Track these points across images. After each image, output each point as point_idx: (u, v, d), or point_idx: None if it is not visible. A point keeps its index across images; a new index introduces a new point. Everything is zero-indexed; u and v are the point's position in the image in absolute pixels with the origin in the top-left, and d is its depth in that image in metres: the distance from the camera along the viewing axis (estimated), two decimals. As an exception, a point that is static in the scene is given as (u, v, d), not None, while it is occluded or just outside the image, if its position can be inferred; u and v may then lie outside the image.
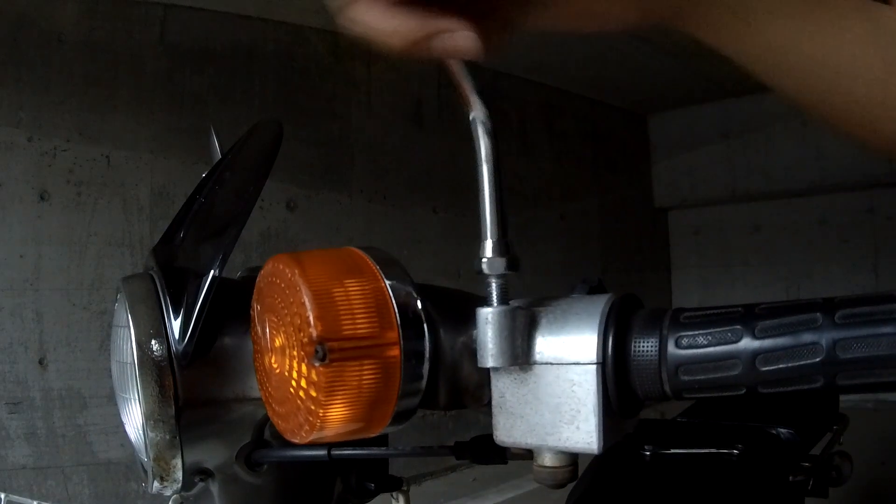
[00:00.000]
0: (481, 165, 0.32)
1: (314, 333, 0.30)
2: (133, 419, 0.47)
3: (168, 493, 0.47)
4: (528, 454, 0.37)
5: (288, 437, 0.34)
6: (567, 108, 3.94)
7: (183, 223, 0.50)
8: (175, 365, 0.43)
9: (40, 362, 2.38)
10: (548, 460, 0.34)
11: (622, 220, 4.22)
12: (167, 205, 2.54)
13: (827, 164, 3.71)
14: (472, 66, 0.33)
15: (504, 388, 0.34)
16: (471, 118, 0.33)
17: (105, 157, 2.46)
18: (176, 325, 0.43)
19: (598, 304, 0.33)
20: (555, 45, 3.18)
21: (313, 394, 0.31)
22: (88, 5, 2.44)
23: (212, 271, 0.43)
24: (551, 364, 0.33)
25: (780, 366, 0.30)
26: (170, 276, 0.46)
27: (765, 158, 3.94)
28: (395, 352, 0.32)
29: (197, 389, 0.44)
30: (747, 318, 0.31)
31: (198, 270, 0.45)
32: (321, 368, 0.30)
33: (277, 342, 0.33)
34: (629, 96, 4.05)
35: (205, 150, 0.62)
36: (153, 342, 0.43)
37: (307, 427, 0.32)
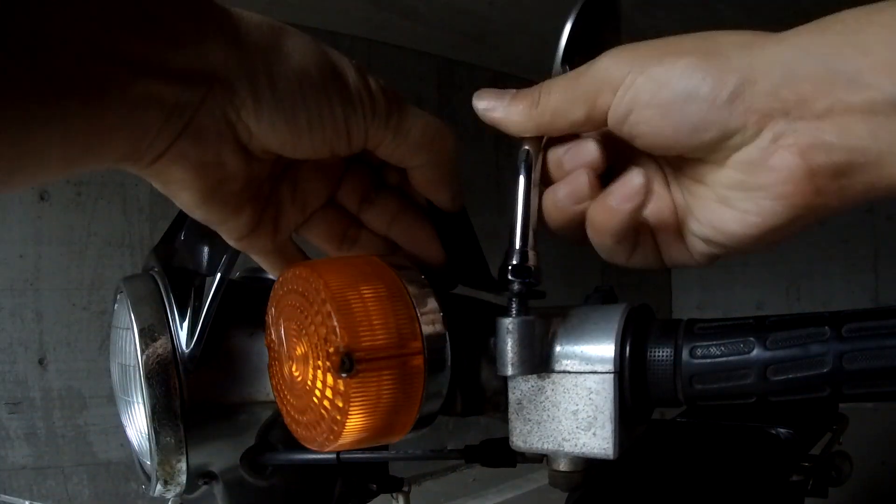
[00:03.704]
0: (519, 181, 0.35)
1: (341, 344, 0.30)
2: (135, 421, 0.47)
3: (170, 495, 0.47)
4: (539, 459, 0.38)
5: (307, 445, 0.34)
6: (567, 108, 3.94)
7: (184, 223, 0.50)
8: (180, 367, 0.43)
9: (40, 362, 2.38)
10: (563, 465, 0.36)
11: (622, 220, 4.22)
12: (167, 205, 2.52)
13: (826, 165, 3.71)
14: None
15: (522, 396, 0.35)
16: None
17: (105, 157, 2.46)
18: (183, 326, 0.43)
19: (615, 314, 0.34)
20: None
21: (340, 404, 0.31)
22: (88, 4, 2.43)
23: (219, 273, 0.43)
24: (569, 372, 0.33)
25: (790, 376, 0.31)
26: (173, 276, 0.46)
27: (764, 159, 3.94)
28: (419, 361, 0.32)
29: (203, 392, 0.44)
30: (759, 329, 0.32)
31: (202, 271, 0.45)
32: (348, 379, 0.30)
33: (299, 351, 0.33)
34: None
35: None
36: (158, 344, 0.43)
37: (331, 437, 0.32)
